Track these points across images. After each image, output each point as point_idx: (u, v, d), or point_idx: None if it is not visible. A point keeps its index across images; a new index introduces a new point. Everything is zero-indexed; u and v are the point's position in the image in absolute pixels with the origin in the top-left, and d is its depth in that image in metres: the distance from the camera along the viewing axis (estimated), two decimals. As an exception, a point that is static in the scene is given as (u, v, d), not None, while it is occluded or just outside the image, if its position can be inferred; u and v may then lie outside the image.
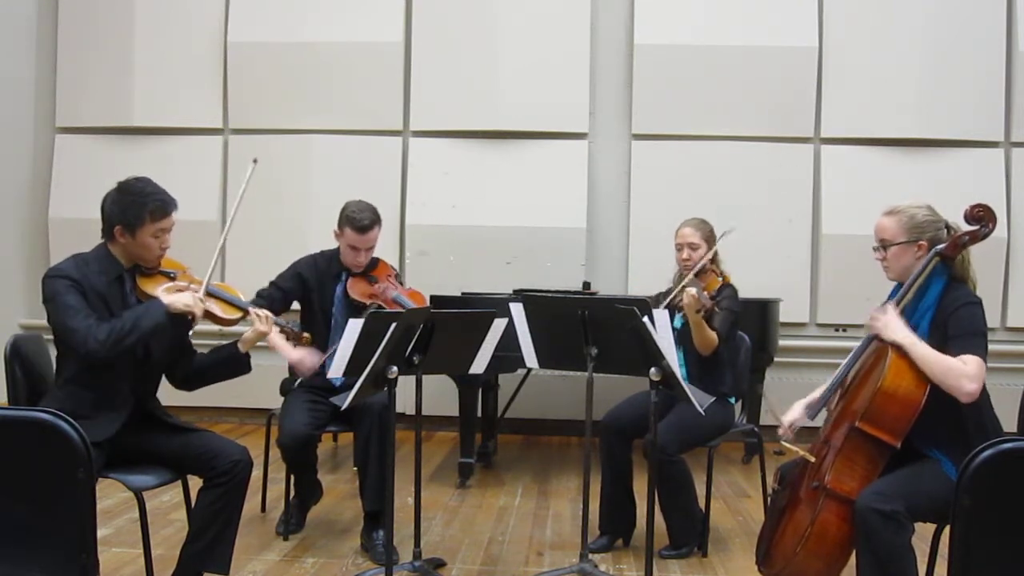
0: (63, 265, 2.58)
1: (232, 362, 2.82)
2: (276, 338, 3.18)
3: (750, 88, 5.48)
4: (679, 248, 3.51)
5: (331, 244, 3.64)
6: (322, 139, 5.67)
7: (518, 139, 5.62)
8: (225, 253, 5.60)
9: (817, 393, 2.62)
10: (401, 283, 3.72)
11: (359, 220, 3.47)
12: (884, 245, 2.54)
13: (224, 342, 2.88)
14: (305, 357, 3.26)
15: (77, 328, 2.46)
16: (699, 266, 3.43)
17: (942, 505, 2.17)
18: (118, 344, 2.48)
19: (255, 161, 2.96)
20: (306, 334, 3.04)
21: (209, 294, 2.74)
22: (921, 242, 2.49)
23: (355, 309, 3.48)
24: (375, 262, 3.67)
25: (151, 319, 2.53)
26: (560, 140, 5.63)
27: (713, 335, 3.31)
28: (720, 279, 3.46)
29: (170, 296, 2.59)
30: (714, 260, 3.53)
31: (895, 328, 2.39)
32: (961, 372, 2.28)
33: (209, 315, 2.72)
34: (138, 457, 2.62)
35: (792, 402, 2.66)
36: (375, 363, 2.61)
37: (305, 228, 5.35)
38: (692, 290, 3.16)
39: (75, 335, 2.46)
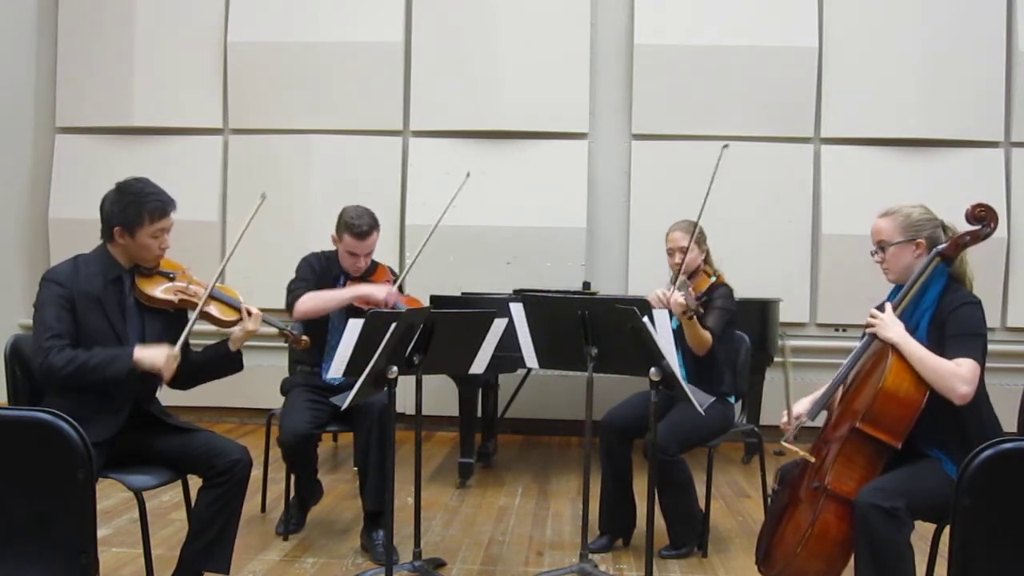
0: (60, 268, 2.58)
1: (224, 361, 2.81)
2: (344, 292, 3.46)
3: (750, 88, 5.48)
4: (670, 253, 3.51)
5: (331, 244, 3.64)
6: (322, 139, 5.66)
7: (518, 139, 5.62)
8: (225, 253, 5.61)
9: (821, 391, 2.62)
10: (401, 289, 3.71)
11: (358, 226, 3.46)
12: (882, 247, 2.54)
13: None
14: (378, 290, 3.47)
15: (40, 346, 2.47)
16: (692, 268, 3.44)
17: (942, 504, 2.17)
18: (73, 378, 2.47)
19: (263, 196, 2.89)
20: (304, 337, 3.04)
21: (211, 296, 2.74)
22: (919, 240, 2.49)
23: (352, 312, 3.48)
24: (374, 266, 3.66)
25: (115, 369, 2.50)
26: (560, 140, 5.63)
27: (706, 335, 3.31)
28: (712, 279, 3.47)
29: (143, 352, 2.54)
30: (706, 260, 3.53)
31: (891, 327, 2.40)
32: (954, 374, 2.28)
33: (207, 316, 2.72)
34: (138, 457, 2.62)
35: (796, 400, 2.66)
36: (375, 363, 2.61)
37: (305, 228, 5.35)
38: (678, 296, 3.16)
39: (38, 351, 2.47)
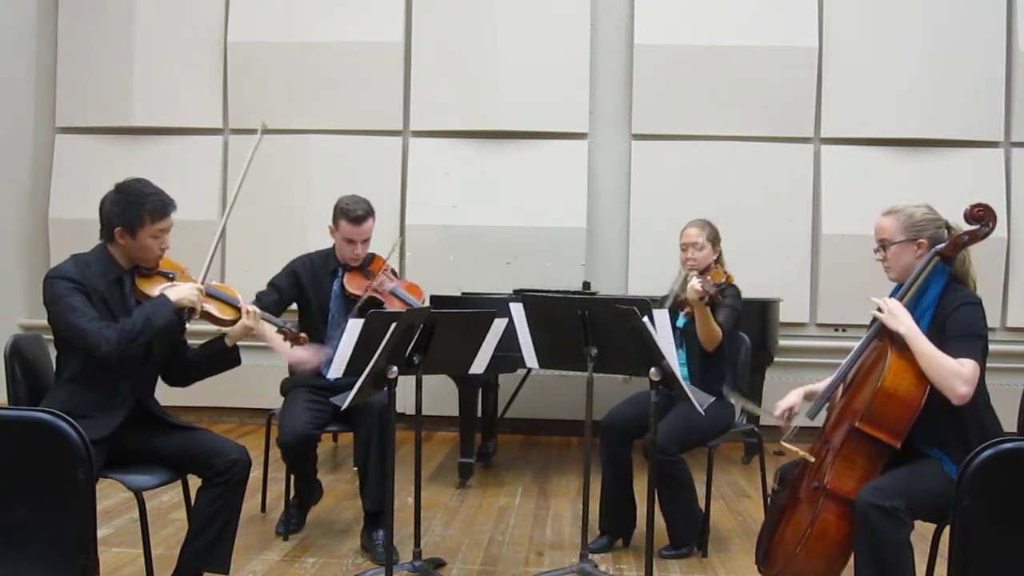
0: (64, 266, 2.58)
1: (221, 356, 2.83)
2: (275, 340, 3.14)
3: (750, 88, 5.48)
4: (684, 248, 3.52)
5: (330, 243, 3.64)
6: (322, 139, 5.67)
7: (518, 139, 5.62)
8: (225, 253, 5.62)
9: (818, 386, 2.62)
10: (395, 274, 3.75)
11: (353, 211, 3.49)
12: (884, 245, 2.54)
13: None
14: (307, 357, 3.25)
15: (87, 329, 2.47)
16: (704, 266, 3.46)
17: (942, 504, 2.17)
18: (130, 343, 2.50)
19: (263, 126, 2.86)
20: (303, 334, 3.04)
21: (207, 294, 2.75)
22: (921, 240, 2.49)
23: (352, 304, 3.50)
24: (371, 257, 3.68)
25: (162, 317, 2.56)
26: (560, 140, 5.63)
27: (718, 329, 3.32)
28: (724, 276, 3.48)
29: (174, 293, 2.61)
30: (718, 260, 3.55)
31: (900, 317, 2.39)
32: (956, 373, 2.28)
33: (207, 315, 2.74)
34: (137, 457, 2.62)
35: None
36: (375, 363, 2.61)
37: (305, 228, 5.34)
38: (695, 281, 3.18)
39: (86, 337, 2.47)
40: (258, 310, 2.82)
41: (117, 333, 2.48)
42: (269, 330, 3.05)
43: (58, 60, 5.87)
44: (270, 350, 3.19)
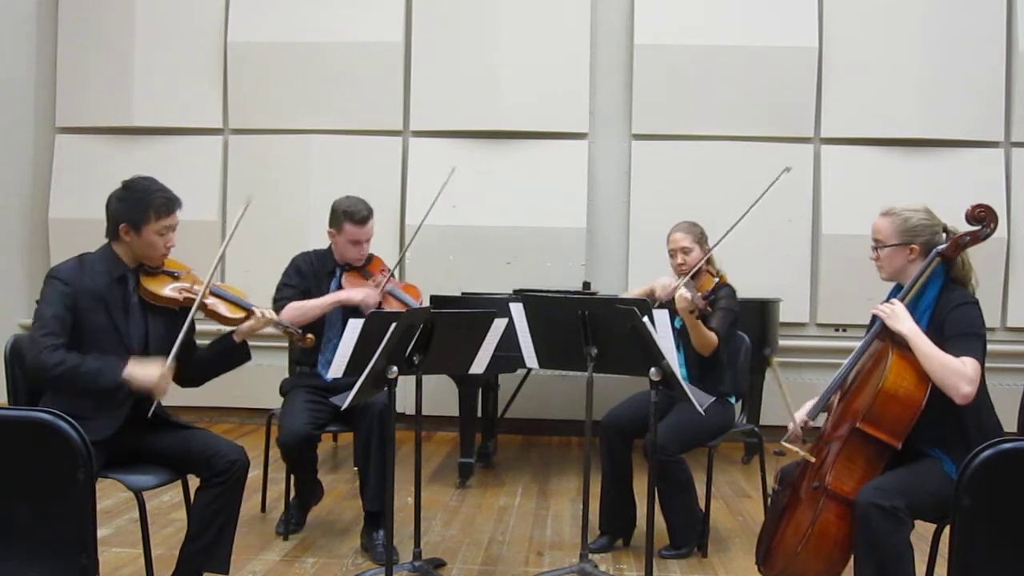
0: (64, 266, 2.59)
1: (232, 353, 2.83)
2: (325, 299, 3.45)
3: (750, 88, 5.48)
4: (672, 254, 3.52)
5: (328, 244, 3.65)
6: (322, 139, 5.66)
7: (518, 139, 5.62)
8: (225, 252, 5.61)
9: (822, 393, 2.63)
10: (394, 277, 3.75)
11: (357, 212, 3.51)
12: (877, 246, 2.56)
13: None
14: (355, 293, 3.48)
15: (35, 340, 2.46)
16: (695, 268, 3.44)
17: (942, 504, 2.17)
18: (61, 379, 2.45)
19: (248, 201, 2.84)
20: (310, 336, 3.05)
21: (214, 295, 2.77)
22: (913, 246, 2.50)
23: (349, 310, 3.49)
24: (369, 258, 3.69)
25: (104, 381, 2.46)
26: (560, 140, 5.63)
27: (711, 335, 3.31)
28: (716, 279, 3.47)
29: (135, 368, 2.49)
30: (709, 261, 3.53)
31: (902, 318, 2.40)
32: (960, 373, 2.29)
33: (215, 315, 2.75)
34: (137, 456, 2.62)
35: (799, 401, 2.66)
36: (375, 363, 2.61)
37: (305, 228, 5.34)
38: (684, 292, 3.17)
39: (32, 346, 2.46)
40: (268, 312, 2.82)
41: (58, 361, 2.43)
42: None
43: (58, 60, 5.87)
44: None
